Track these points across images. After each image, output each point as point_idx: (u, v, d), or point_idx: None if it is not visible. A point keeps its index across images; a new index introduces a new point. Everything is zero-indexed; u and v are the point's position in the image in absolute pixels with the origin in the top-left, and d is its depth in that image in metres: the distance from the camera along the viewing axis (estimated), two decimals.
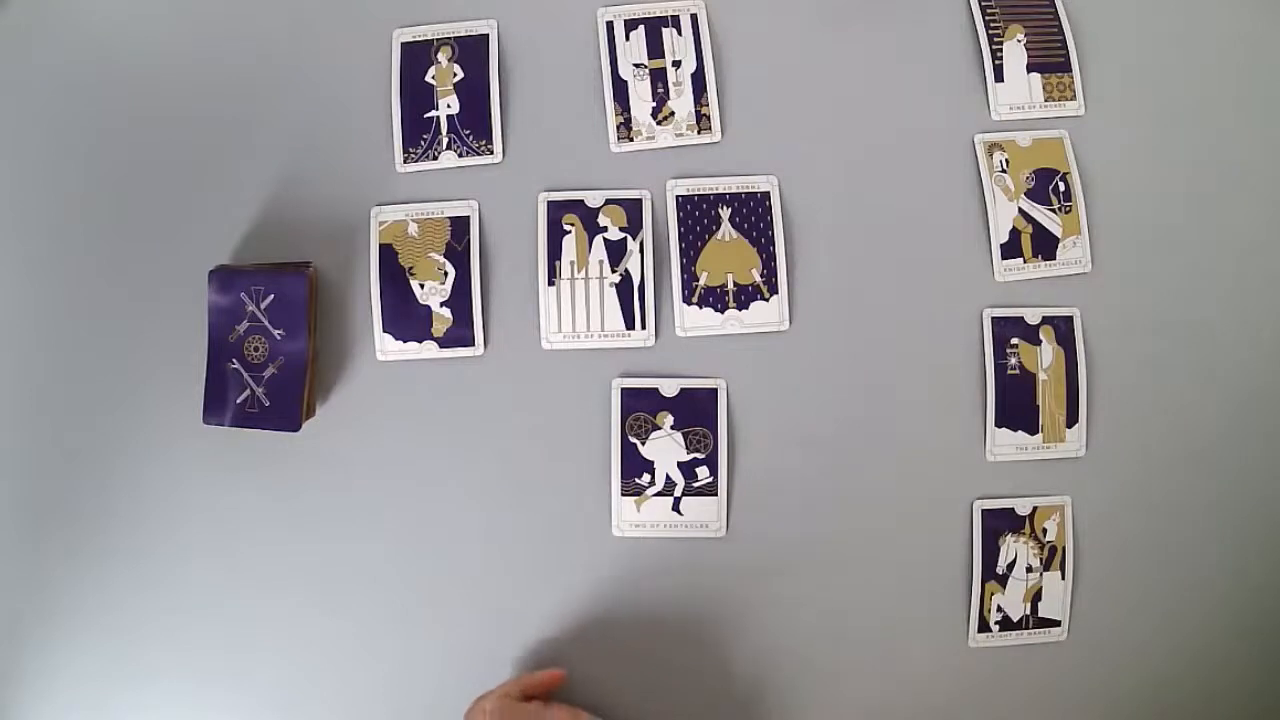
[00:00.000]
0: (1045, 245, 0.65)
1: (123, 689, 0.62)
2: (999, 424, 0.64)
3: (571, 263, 0.64)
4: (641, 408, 0.63)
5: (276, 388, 0.59)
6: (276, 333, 0.59)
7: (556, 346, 0.63)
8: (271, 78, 0.65)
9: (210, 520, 0.62)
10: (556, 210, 0.64)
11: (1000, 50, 0.67)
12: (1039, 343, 0.65)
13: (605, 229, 0.64)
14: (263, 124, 0.65)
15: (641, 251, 0.64)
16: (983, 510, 0.64)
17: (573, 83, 0.66)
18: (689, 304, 0.64)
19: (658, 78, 0.66)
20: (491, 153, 0.65)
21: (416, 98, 0.65)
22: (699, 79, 0.66)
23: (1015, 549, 0.64)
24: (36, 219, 0.64)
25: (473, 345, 0.63)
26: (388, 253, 0.64)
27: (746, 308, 0.64)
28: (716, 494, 0.63)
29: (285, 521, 0.62)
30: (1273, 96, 0.69)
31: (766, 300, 0.64)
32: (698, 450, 0.63)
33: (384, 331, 0.63)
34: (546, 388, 0.63)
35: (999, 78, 0.67)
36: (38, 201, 0.64)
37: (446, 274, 0.63)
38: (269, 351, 0.59)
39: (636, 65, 0.66)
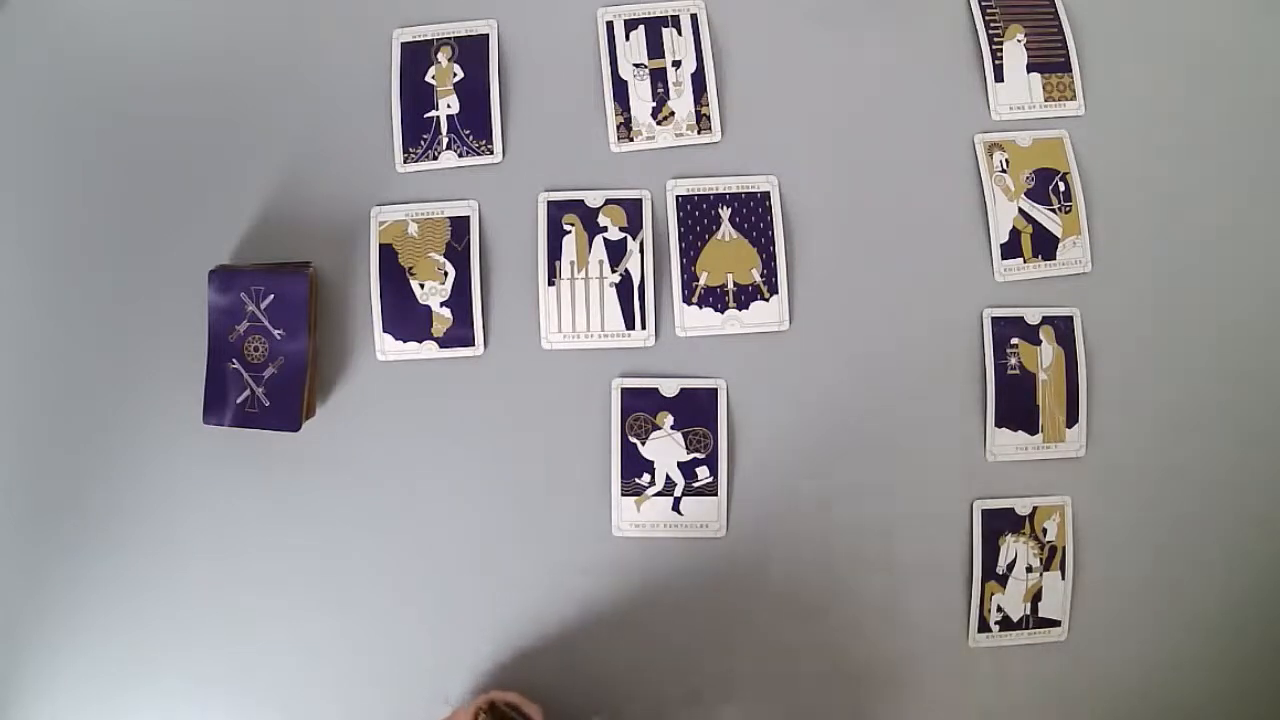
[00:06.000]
0: (1045, 245, 0.65)
1: (123, 688, 0.62)
2: (999, 424, 0.64)
3: (571, 263, 0.64)
4: (641, 408, 0.63)
5: (276, 388, 0.59)
6: (276, 333, 0.59)
7: (556, 346, 0.63)
8: (271, 78, 0.65)
9: (210, 520, 0.62)
10: (556, 210, 0.64)
11: (1000, 50, 0.67)
12: (1039, 343, 0.65)
13: (605, 229, 0.64)
14: (263, 124, 0.65)
15: (641, 251, 0.64)
16: (983, 510, 0.64)
17: (573, 83, 0.66)
18: (689, 304, 0.64)
19: (658, 78, 0.66)
20: (491, 153, 0.65)
21: (416, 98, 0.65)
22: (699, 79, 0.66)
23: (1015, 549, 0.64)
24: (36, 219, 0.64)
25: (473, 345, 0.63)
26: (388, 253, 0.64)
27: (746, 308, 0.64)
28: (716, 494, 0.63)
29: (285, 521, 0.62)
30: (1273, 96, 0.69)
31: (766, 300, 0.64)
32: (698, 450, 0.63)
33: (384, 331, 0.63)
34: (546, 388, 0.63)
35: (999, 78, 0.67)
36: (37, 202, 0.64)
37: (446, 274, 0.63)
38: (269, 351, 0.59)
39: (636, 65, 0.66)
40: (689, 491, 0.63)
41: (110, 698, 0.62)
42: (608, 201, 0.64)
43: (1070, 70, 0.68)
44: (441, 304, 0.63)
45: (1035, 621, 0.64)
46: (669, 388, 0.63)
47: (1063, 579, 0.64)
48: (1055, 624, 0.64)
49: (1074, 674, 0.64)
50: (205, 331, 0.60)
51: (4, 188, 0.64)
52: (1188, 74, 0.69)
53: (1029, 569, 0.64)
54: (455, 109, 0.65)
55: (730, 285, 0.64)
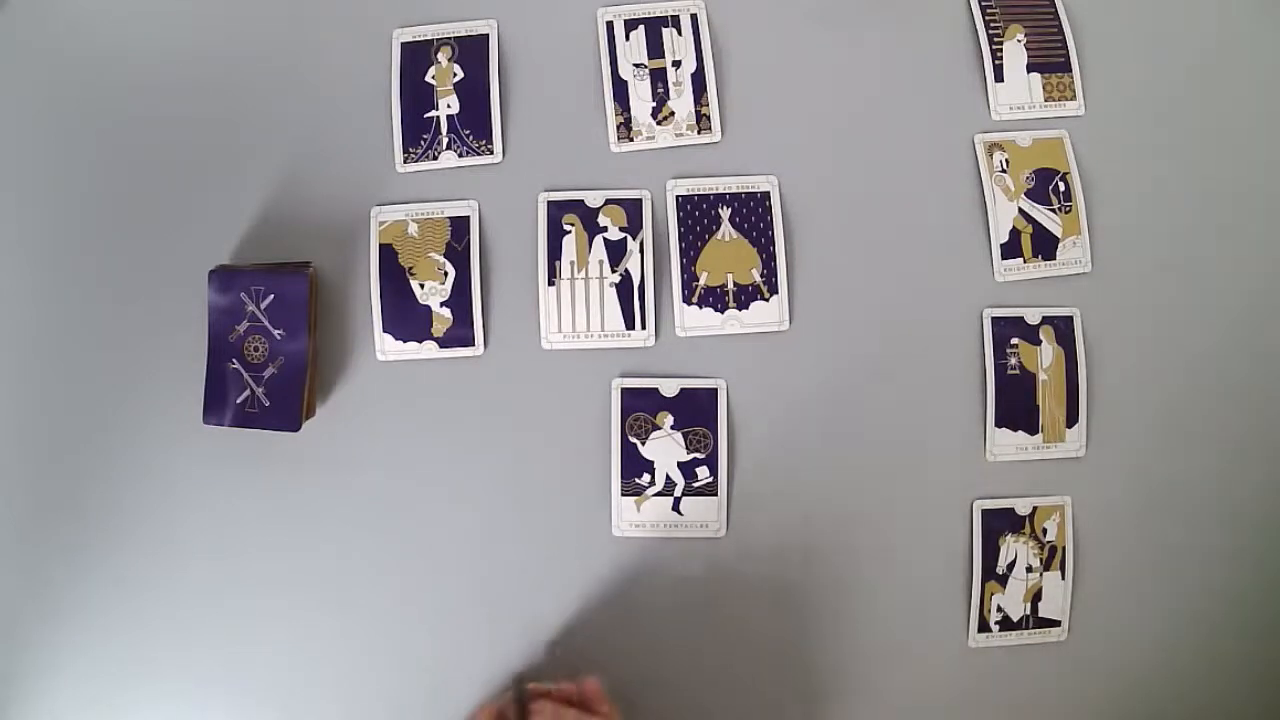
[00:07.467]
0: (1045, 245, 0.65)
1: (123, 688, 0.62)
2: (999, 424, 0.64)
3: (571, 263, 0.64)
4: (641, 408, 0.63)
5: (276, 388, 0.59)
6: (276, 333, 0.59)
7: (556, 346, 0.63)
8: (271, 78, 0.65)
9: (210, 520, 0.62)
10: (556, 210, 0.64)
11: (1000, 50, 0.67)
12: (1039, 343, 0.65)
13: (605, 229, 0.64)
14: (263, 124, 0.65)
15: (641, 251, 0.64)
16: (983, 510, 0.64)
17: (573, 83, 0.66)
18: (689, 304, 0.64)
19: (658, 78, 0.66)
20: (491, 153, 0.65)
21: (416, 98, 0.65)
22: (699, 79, 0.66)
23: (1015, 549, 0.64)
24: (36, 219, 0.64)
25: (473, 345, 0.63)
26: (388, 253, 0.64)
27: (746, 308, 0.64)
28: (716, 494, 0.63)
29: (285, 521, 0.62)
30: (1273, 96, 0.69)
31: (766, 300, 0.64)
32: (698, 450, 0.63)
33: (384, 331, 0.63)
34: (546, 388, 0.63)
35: (999, 78, 0.67)
36: (38, 202, 0.64)
37: (446, 274, 0.63)
38: (269, 351, 0.59)
39: (636, 65, 0.66)
40: (689, 491, 0.63)
41: (110, 698, 0.62)
42: (608, 201, 0.64)
43: (1070, 70, 0.68)
44: (441, 304, 0.63)
45: (1035, 621, 0.64)
46: (669, 388, 0.63)
47: (1063, 579, 0.64)
48: (1055, 624, 0.64)
49: (1074, 674, 0.64)
50: (205, 331, 0.60)
51: (4, 188, 0.64)
52: (1188, 74, 0.69)
53: (1029, 569, 0.64)
54: (455, 109, 0.65)
55: (730, 285, 0.64)
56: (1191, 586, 0.65)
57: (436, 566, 0.62)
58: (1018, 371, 0.64)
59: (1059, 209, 0.66)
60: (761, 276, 0.64)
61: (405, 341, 0.63)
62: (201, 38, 0.66)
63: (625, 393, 0.63)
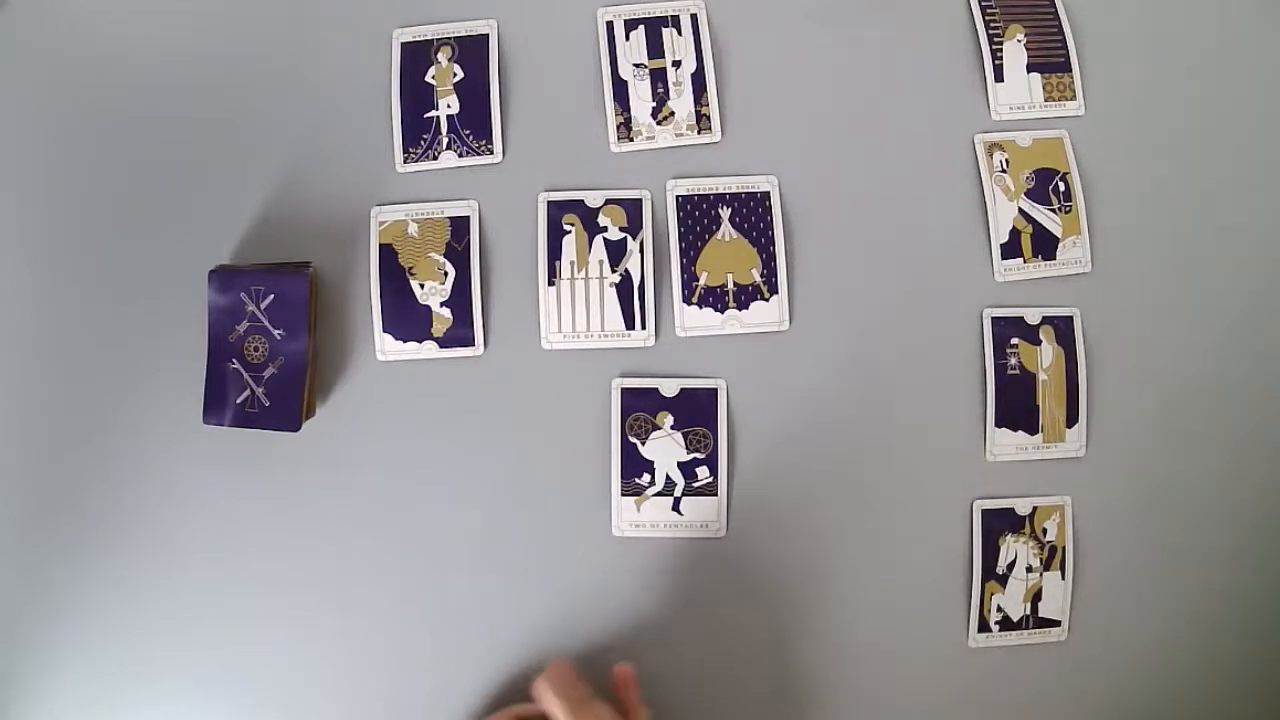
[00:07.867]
0: (1045, 245, 0.65)
1: (123, 688, 0.62)
2: (999, 424, 0.64)
3: (571, 263, 0.64)
4: (641, 408, 0.63)
5: (276, 388, 0.59)
6: (276, 333, 0.59)
7: (556, 346, 0.63)
8: (271, 78, 0.65)
9: (210, 520, 0.62)
10: (556, 210, 0.64)
11: (1000, 50, 0.67)
12: (1039, 343, 0.65)
13: (605, 229, 0.64)
14: (263, 124, 0.65)
15: (641, 251, 0.64)
16: (983, 510, 0.64)
17: (573, 83, 0.66)
18: (689, 304, 0.64)
19: (658, 78, 0.66)
20: (491, 153, 0.65)
21: (416, 98, 0.65)
22: (699, 79, 0.66)
23: (1015, 549, 0.64)
24: (36, 219, 0.64)
25: (473, 345, 0.63)
26: (388, 253, 0.64)
27: (746, 308, 0.64)
28: (716, 494, 0.63)
29: (285, 521, 0.62)
30: (1273, 96, 0.69)
31: (766, 300, 0.64)
32: (698, 450, 0.63)
33: (384, 331, 0.63)
34: (546, 388, 0.63)
35: (999, 78, 0.67)
36: (38, 202, 0.64)
37: (446, 274, 0.63)
38: (269, 351, 0.59)
39: (636, 65, 0.66)
40: (689, 491, 0.63)
41: (110, 698, 0.62)
42: (608, 201, 0.64)
43: (1070, 70, 0.68)
44: (441, 304, 0.63)
45: (1035, 621, 0.64)
46: (669, 388, 0.63)
47: (1063, 579, 0.64)
48: (1055, 624, 0.64)
49: (1074, 674, 0.64)
50: (205, 331, 0.60)
51: (4, 188, 0.64)
52: (1188, 74, 0.69)
53: (1029, 569, 0.64)
54: (455, 109, 0.65)
55: (730, 285, 0.64)
56: (1191, 586, 0.65)
57: (436, 566, 0.62)
58: (1018, 371, 0.64)
59: (1059, 209, 0.66)
60: (761, 276, 0.64)
61: (405, 341, 0.63)
62: (201, 38, 0.66)
63: (625, 393, 0.63)
